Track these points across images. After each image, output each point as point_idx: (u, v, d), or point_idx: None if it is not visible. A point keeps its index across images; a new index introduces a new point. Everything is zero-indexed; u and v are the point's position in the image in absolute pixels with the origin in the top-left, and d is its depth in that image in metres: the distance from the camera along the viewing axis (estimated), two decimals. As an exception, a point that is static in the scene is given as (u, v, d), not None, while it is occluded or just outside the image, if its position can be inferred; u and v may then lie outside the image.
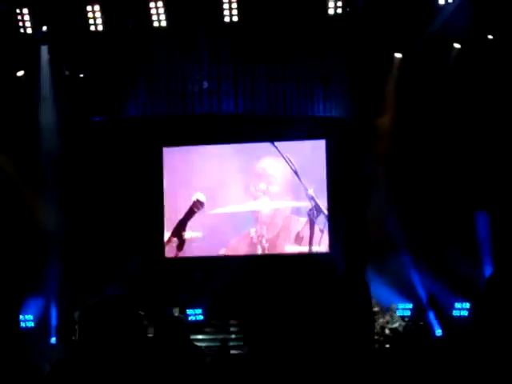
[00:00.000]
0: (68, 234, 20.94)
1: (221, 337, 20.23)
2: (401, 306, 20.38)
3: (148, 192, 22.48)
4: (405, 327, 19.35)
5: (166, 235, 22.95)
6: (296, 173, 22.60)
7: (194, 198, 22.90)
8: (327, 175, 22.43)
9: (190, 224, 22.94)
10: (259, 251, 22.76)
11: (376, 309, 20.22)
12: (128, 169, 21.99)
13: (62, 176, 21.11)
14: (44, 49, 20.43)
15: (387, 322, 19.72)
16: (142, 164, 22.29)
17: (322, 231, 22.54)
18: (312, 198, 22.52)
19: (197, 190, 22.92)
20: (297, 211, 22.72)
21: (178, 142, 23.02)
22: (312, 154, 22.72)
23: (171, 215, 23.04)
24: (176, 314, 20.04)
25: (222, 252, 22.76)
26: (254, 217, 22.81)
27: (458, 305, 19.72)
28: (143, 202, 22.16)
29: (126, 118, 21.67)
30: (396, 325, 19.48)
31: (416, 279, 20.58)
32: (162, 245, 22.89)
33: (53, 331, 20.25)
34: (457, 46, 20.26)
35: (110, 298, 3.13)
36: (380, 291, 19.93)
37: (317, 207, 22.53)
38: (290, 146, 22.78)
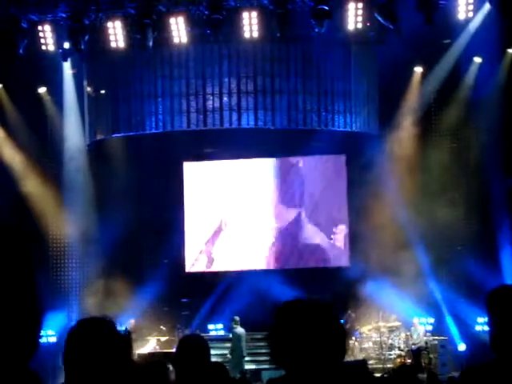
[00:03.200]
0: (89, 249, 21.01)
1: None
2: (423, 320, 20.27)
3: (169, 207, 22.51)
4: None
5: (187, 250, 22.96)
6: (318, 188, 22.59)
7: (221, 217, 22.92)
8: (347, 190, 22.38)
9: (215, 240, 22.96)
10: (282, 265, 22.72)
11: (396, 324, 20.14)
12: (149, 184, 22.05)
13: (84, 192, 21.23)
14: (67, 65, 20.61)
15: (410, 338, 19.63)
16: (162, 179, 22.34)
17: (344, 245, 22.50)
18: (333, 213, 22.50)
19: (218, 204, 22.92)
20: (318, 225, 22.67)
21: (199, 157, 23.06)
22: (332, 168, 22.71)
23: (192, 230, 23.06)
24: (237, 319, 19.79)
25: (247, 267, 22.71)
26: (277, 231, 22.79)
27: (480, 319, 19.52)
28: (164, 216, 22.19)
29: (146, 133, 21.73)
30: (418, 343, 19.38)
31: (437, 293, 20.48)
32: (183, 259, 22.91)
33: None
34: (477, 60, 20.24)
35: (89, 321, 3.04)
36: (401, 305, 19.88)
37: (340, 222, 22.50)
38: (310, 160, 22.79)
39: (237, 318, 19.66)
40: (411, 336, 19.59)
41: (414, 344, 19.41)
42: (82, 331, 2.94)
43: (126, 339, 2.97)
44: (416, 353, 18.88)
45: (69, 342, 2.92)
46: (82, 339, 2.90)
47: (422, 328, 19.66)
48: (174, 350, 17.57)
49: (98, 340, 2.88)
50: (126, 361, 2.91)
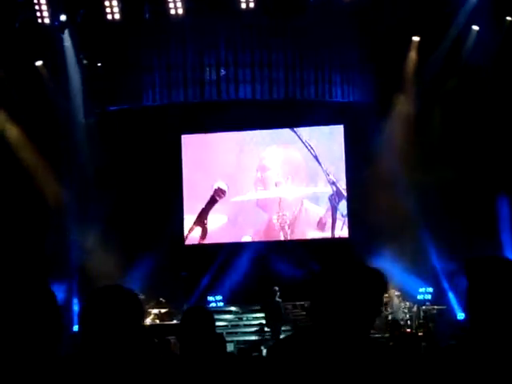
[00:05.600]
0: (87, 223, 21.00)
1: (242, 323, 20.43)
2: (421, 290, 20.35)
3: (167, 179, 22.51)
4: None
5: (186, 222, 23.02)
6: (316, 158, 22.58)
7: (215, 187, 22.92)
8: (345, 160, 22.40)
9: (211, 212, 22.99)
10: (282, 238, 22.78)
11: (397, 293, 20.16)
12: (146, 157, 22.02)
13: (81, 164, 21.24)
14: (63, 38, 20.50)
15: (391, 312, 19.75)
16: (160, 152, 22.31)
17: (344, 216, 22.54)
18: (333, 183, 22.50)
19: (216, 176, 22.95)
20: (318, 197, 22.71)
21: (197, 129, 23.04)
22: (330, 139, 22.73)
23: (190, 202, 23.09)
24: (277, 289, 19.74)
25: (245, 239, 22.77)
26: (276, 203, 22.80)
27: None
28: (162, 189, 22.19)
29: (143, 106, 21.69)
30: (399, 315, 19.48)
31: (436, 263, 20.53)
32: (182, 232, 22.96)
33: (75, 319, 20.31)
34: (475, 28, 20.16)
35: (106, 289, 3.07)
36: (399, 275, 19.92)
37: (338, 192, 22.50)
38: (308, 131, 22.77)
39: (276, 288, 19.59)
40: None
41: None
42: (99, 298, 2.97)
43: (140, 306, 3.03)
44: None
45: (87, 308, 2.96)
46: (99, 306, 2.94)
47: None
48: (174, 322, 17.70)
49: (116, 306, 2.93)
50: (140, 327, 2.98)
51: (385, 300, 20.07)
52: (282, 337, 18.54)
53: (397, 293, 19.82)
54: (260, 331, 19.99)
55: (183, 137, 23.23)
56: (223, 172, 22.95)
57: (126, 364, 2.89)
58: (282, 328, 19.33)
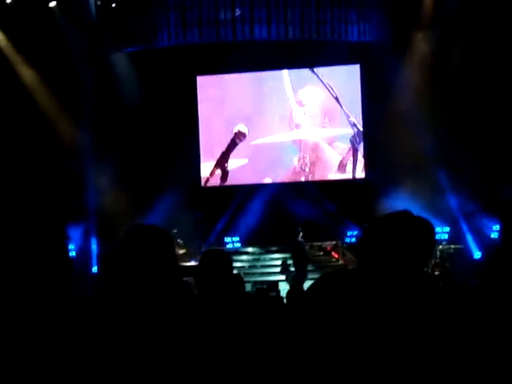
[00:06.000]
0: (103, 163, 21.01)
1: (259, 264, 20.54)
2: (438, 229, 20.32)
3: (183, 121, 22.46)
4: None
5: (203, 164, 23.02)
6: (337, 100, 22.44)
7: (235, 130, 22.85)
8: (362, 100, 22.27)
9: (232, 155, 22.97)
10: (302, 179, 22.76)
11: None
12: (162, 98, 21.97)
13: (95, 106, 21.18)
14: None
15: None
16: (175, 93, 22.23)
17: (358, 157, 22.49)
18: (354, 125, 22.40)
19: (232, 118, 22.88)
20: (338, 138, 22.61)
21: (212, 71, 22.90)
22: (347, 79, 22.55)
23: (207, 144, 23.07)
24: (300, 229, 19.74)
25: (266, 181, 22.76)
26: (296, 146, 22.75)
27: (496, 227, 19.51)
28: (178, 130, 22.16)
29: (158, 47, 21.53)
30: None
31: (453, 202, 20.48)
32: (199, 173, 22.99)
33: (94, 260, 20.50)
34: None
35: (142, 227, 3.09)
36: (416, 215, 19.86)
37: (359, 134, 22.41)
38: (327, 72, 22.58)
39: (299, 229, 19.54)
40: None
41: None
42: (137, 236, 2.99)
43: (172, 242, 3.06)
44: None
45: (125, 246, 2.97)
46: (138, 243, 2.95)
47: None
48: (191, 264, 17.79)
49: (154, 244, 2.95)
50: (176, 265, 3.01)
51: None
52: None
53: None
54: (283, 271, 20.07)
55: (198, 78, 23.12)
56: (240, 114, 22.85)
57: (157, 301, 2.91)
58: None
